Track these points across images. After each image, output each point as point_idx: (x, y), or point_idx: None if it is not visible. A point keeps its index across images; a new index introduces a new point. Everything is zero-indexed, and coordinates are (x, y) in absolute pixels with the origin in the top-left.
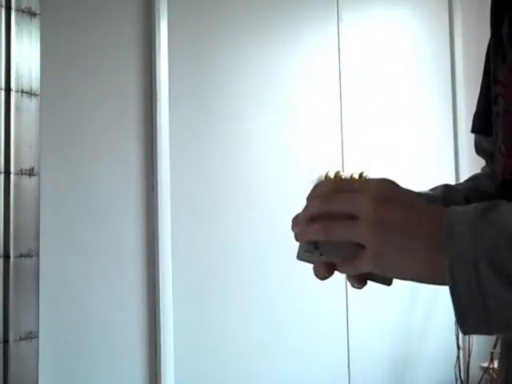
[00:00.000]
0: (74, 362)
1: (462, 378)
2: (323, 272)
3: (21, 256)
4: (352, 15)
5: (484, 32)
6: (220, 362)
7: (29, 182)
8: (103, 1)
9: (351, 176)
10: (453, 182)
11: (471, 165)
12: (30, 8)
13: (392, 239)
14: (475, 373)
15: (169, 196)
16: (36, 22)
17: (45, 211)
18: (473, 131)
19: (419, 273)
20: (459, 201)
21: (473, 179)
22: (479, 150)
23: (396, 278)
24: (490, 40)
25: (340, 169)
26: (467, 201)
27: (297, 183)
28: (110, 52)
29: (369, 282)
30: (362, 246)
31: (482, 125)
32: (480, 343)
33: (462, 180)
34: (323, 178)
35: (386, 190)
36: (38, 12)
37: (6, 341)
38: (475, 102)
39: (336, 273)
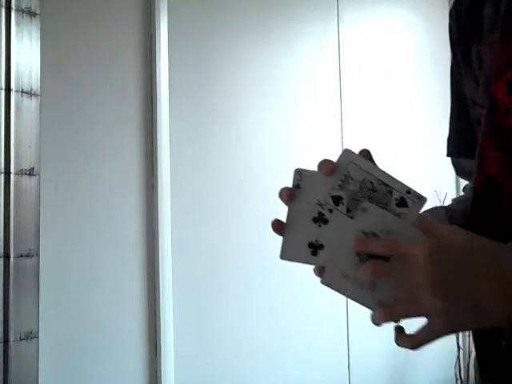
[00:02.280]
0: (73, 362)
1: (462, 378)
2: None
3: (21, 256)
4: (352, 15)
5: None
6: (220, 362)
7: (29, 182)
8: (103, 1)
9: None
10: (453, 182)
11: None
12: (30, 8)
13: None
14: (475, 373)
15: (169, 196)
16: (36, 22)
17: (45, 211)
18: (450, 155)
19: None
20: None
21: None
22: (461, 172)
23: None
24: (455, 65)
25: None
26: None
27: None
28: (110, 52)
29: None
30: None
31: (462, 147)
32: None
33: (461, 180)
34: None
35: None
36: (38, 12)
37: (6, 341)
38: None
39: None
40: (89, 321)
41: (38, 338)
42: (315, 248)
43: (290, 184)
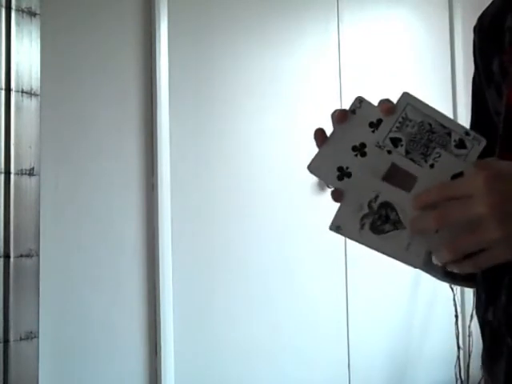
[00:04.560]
0: (74, 362)
1: (462, 377)
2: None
3: (21, 256)
4: (352, 15)
5: None
6: (220, 362)
7: (29, 182)
8: (103, 1)
9: None
10: None
11: None
12: (30, 8)
13: None
14: (475, 373)
15: (169, 196)
16: (36, 21)
17: (45, 211)
18: None
19: None
20: None
21: None
22: None
23: None
24: (477, 77)
25: None
26: None
27: (296, 183)
28: (110, 52)
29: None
30: None
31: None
32: (480, 343)
33: None
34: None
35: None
36: (38, 12)
37: (6, 341)
38: None
39: (336, 271)
40: (89, 321)
41: (38, 338)
42: (343, 174)
43: (290, 184)
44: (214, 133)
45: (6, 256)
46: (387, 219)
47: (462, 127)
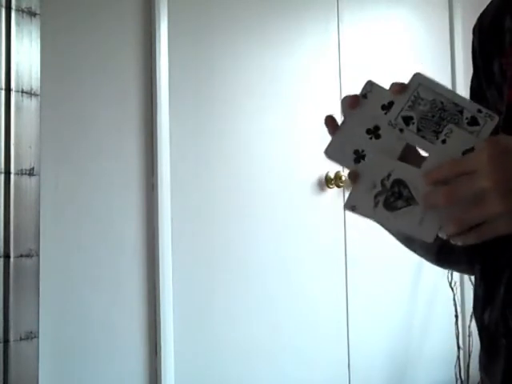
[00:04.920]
0: (74, 362)
1: (462, 377)
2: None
3: (21, 256)
4: (352, 15)
5: None
6: (220, 362)
7: (29, 182)
8: (103, 1)
9: None
10: None
11: None
12: (30, 8)
13: None
14: (475, 373)
15: (169, 196)
16: (36, 21)
17: (45, 211)
18: None
19: None
20: None
21: None
22: None
23: None
24: (475, 80)
25: (340, 169)
26: None
27: (296, 183)
28: (110, 52)
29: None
30: None
31: None
32: None
33: None
34: (323, 178)
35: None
36: (38, 12)
37: (6, 341)
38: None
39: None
40: (89, 321)
41: (38, 338)
42: (359, 156)
43: (289, 184)
44: (214, 133)
45: (6, 256)
46: (400, 196)
47: (475, 105)
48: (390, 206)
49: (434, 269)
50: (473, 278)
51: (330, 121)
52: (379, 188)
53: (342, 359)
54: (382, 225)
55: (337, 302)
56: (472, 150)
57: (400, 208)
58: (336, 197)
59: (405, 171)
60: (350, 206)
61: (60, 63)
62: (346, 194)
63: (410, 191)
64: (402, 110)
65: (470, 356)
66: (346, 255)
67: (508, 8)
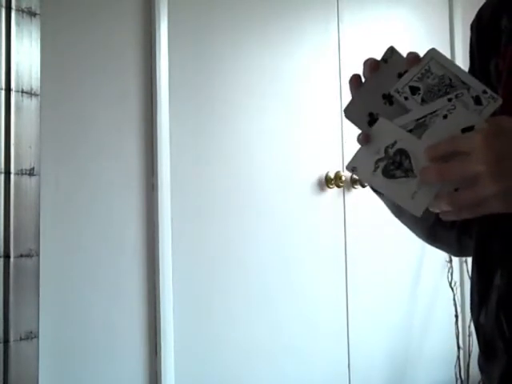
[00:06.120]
0: (74, 362)
1: (462, 377)
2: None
3: (21, 256)
4: (352, 15)
5: None
6: (220, 362)
7: (29, 182)
8: (103, 1)
9: (351, 176)
10: None
11: None
12: (30, 8)
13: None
14: (475, 373)
15: (169, 196)
16: (36, 22)
17: (45, 211)
18: None
19: None
20: None
21: None
22: None
23: None
24: (471, 71)
25: (340, 169)
26: None
27: (296, 183)
28: (110, 52)
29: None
30: None
31: None
32: None
33: None
34: (323, 178)
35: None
36: (38, 12)
37: (6, 341)
38: None
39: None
40: (89, 321)
41: (38, 338)
42: (372, 119)
43: (289, 184)
44: (214, 133)
45: (6, 256)
46: (400, 165)
47: (481, 85)
48: (388, 174)
49: (434, 269)
50: None
51: (354, 80)
52: (382, 154)
53: (342, 359)
54: (376, 191)
55: (337, 301)
56: (472, 128)
57: (397, 177)
58: (336, 197)
59: (410, 142)
60: (352, 166)
61: (60, 63)
62: (346, 194)
63: (410, 162)
64: (410, 80)
65: (469, 356)
66: (345, 255)
67: (505, 8)
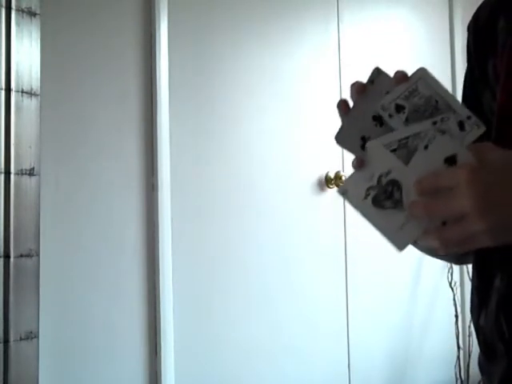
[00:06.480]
0: (74, 362)
1: (462, 377)
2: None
3: (21, 256)
4: (352, 15)
5: None
6: (220, 362)
7: (29, 182)
8: (103, 1)
9: None
10: None
11: None
12: (30, 8)
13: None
14: (475, 373)
15: (169, 196)
16: (36, 22)
17: (45, 211)
18: None
19: None
20: None
21: None
22: None
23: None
24: (470, 78)
25: (340, 169)
26: None
27: (296, 183)
28: (110, 52)
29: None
30: None
31: None
32: None
33: None
34: (323, 178)
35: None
36: (38, 12)
37: (6, 341)
38: None
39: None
40: (89, 321)
41: (38, 338)
42: (365, 143)
43: (289, 184)
44: (214, 133)
45: (6, 256)
46: (391, 196)
47: (467, 111)
48: (378, 203)
49: (434, 269)
50: None
51: (342, 105)
52: (375, 182)
53: (342, 359)
54: (365, 218)
55: (337, 302)
56: (454, 157)
57: (386, 208)
58: (336, 197)
59: (404, 174)
60: (343, 190)
61: (60, 63)
62: None
63: (401, 194)
64: (397, 98)
65: (470, 356)
66: (345, 255)
67: (502, 8)
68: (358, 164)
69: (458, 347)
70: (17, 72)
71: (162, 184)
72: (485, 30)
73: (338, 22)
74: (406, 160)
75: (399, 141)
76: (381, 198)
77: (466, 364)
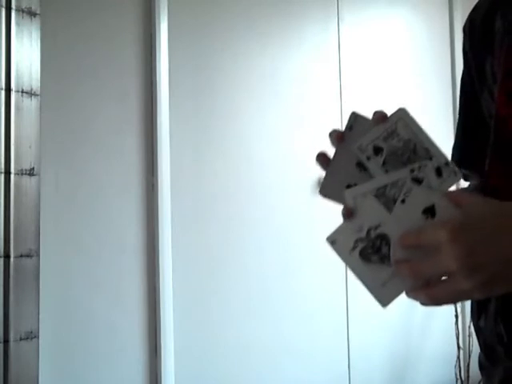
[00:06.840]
0: (74, 362)
1: (462, 377)
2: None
3: (21, 256)
4: (352, 15)
5: None
6: (220, 362)
7: (29, 182)
8: (103, 1)
9: None
10: None
11: None
12: (30, 8)
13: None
14: (475, 373)
15: (169, 196)
16: (36, 22)
17: (45, 211)
18: (461, 166)
19: None
20: None
21: None
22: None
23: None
24: (467, 78)
25: None
26: None
27: (296, 183)
28: (110, 52)
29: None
30: None
31: (470, 160)
32: None
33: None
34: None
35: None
36: (38, 12)
37: (6, 341)
38: None
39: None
40: (89, 321)
41: (38, 338)
42: None
43: (289, 184)
44: (214, 133)
45: (6, 256)
46: (378, 251)
47: (445, 157)
48: (365, 256)
49: None
50: None
51: (321, 157)
52: (363, 234)
53: (342, 359)
54: (350, 269)
55: (337, 302)
56: (432, 207)
57: (373, 262)
58: None
59: (393, 229)
60: (332, 239)
61: (60, 63)
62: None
63: (389, 250)
64: (375, 139)
65: (470, 356)
66: None
67: (498, 8)
68: (347, 214)
69: (458, 347)
70: (17, 72)
71: (162, 184)
72: (481, 31)
73: (338, 22)
74: (386, 210)
75: (377, 189)
76: (368, 252)
77: (466, 364)
